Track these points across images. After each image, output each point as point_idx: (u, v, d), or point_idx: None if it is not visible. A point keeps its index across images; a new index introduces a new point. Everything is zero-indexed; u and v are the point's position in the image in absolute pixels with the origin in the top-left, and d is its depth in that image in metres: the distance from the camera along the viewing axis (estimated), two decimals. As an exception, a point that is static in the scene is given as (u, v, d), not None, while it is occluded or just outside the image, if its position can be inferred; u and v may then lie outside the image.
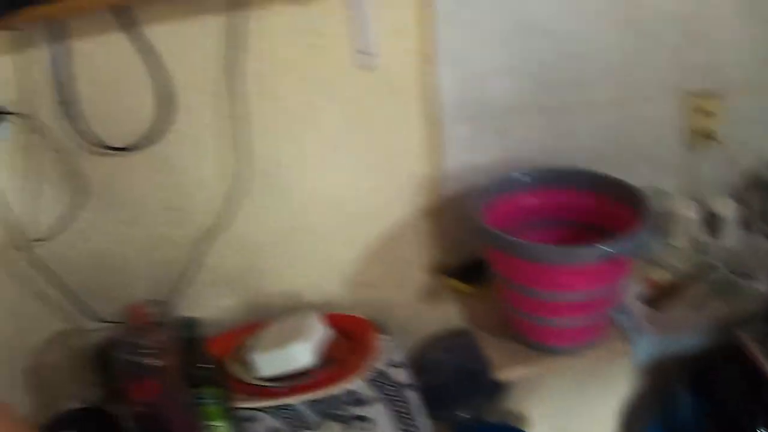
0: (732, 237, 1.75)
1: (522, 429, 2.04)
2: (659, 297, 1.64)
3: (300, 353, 1.52)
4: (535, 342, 1.51)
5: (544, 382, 2.05)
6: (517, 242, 1.37)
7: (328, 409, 1.47)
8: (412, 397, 1.51)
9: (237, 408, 1.46)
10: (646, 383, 2.10)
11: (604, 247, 1.30)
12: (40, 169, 1.60)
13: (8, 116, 1.57)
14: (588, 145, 1.72)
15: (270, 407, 1.47)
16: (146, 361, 1.46)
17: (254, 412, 1.47)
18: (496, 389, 1.83)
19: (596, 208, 1.56)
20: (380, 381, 1.52)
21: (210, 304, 1.70)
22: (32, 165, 1.61)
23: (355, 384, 1.48)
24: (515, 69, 1.61)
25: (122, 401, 1.50)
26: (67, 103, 1.56)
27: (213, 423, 1.42)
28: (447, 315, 1.73)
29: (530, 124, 1.68)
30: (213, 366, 1.43)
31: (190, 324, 1.46)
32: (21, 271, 1.71)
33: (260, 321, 1.65)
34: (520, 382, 1.92)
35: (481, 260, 1.62)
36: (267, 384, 1.51)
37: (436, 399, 1.60)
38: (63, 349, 1.81)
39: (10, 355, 1.80)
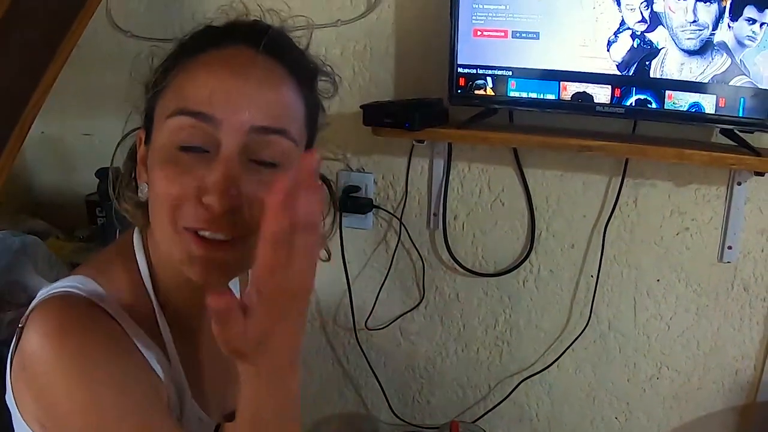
0: None
1: None
2: None
3: None
4: None
5: None
6: None
7: None
8: None
9: None
10: None
11: None
12: (390, 264, 1.74)
13: (375, 210, 1.72)
14: None
15: None
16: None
17: None
18: None
19: None
20: None
21: (501, 436, 1.75)
22: (384, 259, 1.74)
23: None
24: None
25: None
26: (436, 215, 1.70)
27: None
28: None
29: None
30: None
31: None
32: (342, 349, 1.84)
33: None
34: None
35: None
36: None
37: None
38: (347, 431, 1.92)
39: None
